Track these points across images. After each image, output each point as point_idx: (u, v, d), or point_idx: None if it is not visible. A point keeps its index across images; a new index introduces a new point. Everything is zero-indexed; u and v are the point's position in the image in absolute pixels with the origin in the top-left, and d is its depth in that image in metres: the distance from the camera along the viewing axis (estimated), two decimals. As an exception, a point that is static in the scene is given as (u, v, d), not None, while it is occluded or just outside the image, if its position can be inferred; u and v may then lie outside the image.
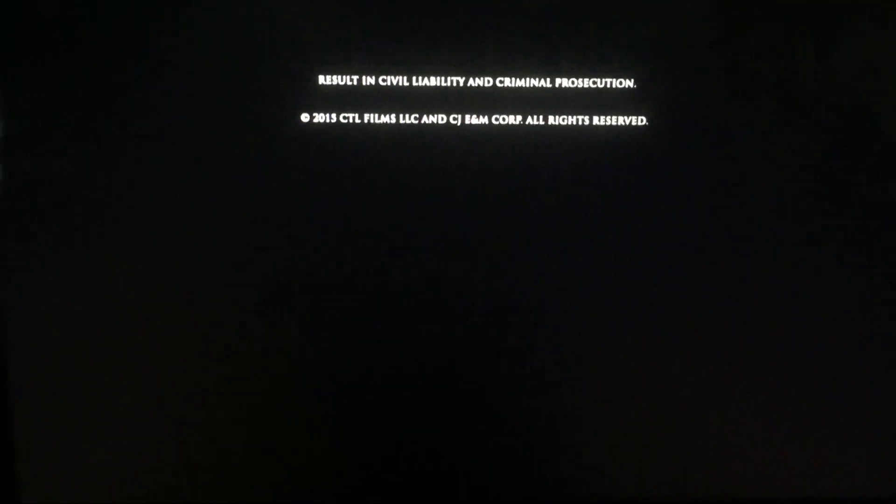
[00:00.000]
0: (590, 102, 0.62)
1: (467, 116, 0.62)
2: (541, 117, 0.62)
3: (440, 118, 0.62)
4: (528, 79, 0.62)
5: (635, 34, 0.61)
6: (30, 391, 0.65)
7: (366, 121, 0.62)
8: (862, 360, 0.67)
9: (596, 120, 0.62)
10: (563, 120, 0.62)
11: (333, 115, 0.62)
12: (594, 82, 0.62)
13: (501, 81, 0.62)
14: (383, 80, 0.61)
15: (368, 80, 0.61)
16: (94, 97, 0.60)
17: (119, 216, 0.62)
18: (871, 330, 0.66)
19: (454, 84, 0.62)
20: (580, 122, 0.62)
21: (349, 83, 0.61)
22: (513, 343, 0.65)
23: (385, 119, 0.62)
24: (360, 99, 0.61)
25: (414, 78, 0.61)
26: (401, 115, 0.62)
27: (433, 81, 0.61)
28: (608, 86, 0.62)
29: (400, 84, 0.61)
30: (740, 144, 0.63)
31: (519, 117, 0.62)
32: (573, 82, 0.62)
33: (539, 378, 0.66)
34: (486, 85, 0.62)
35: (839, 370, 0.67)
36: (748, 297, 0.65)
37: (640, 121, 0.62)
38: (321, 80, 0.61)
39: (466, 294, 0.64)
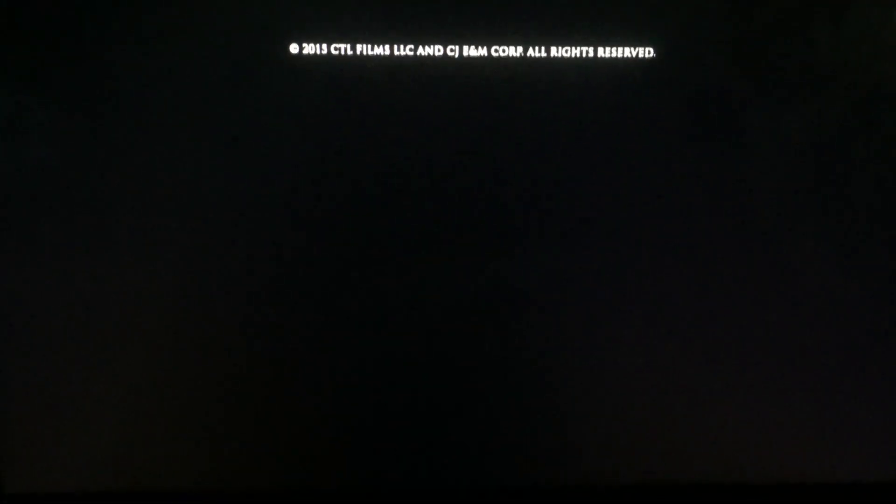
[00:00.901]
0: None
1: (465, 48, 0.59)
2: (543, 49, 0.59)
3: (436, 49, 0.59)
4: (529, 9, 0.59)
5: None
6: (10, 380, 0.64)
7: (358, 52, 0.59)
8: (863, 342, 0.65)
9: (601, 52, 0.59)
10: (567, 52, 0.59)
11: (324, 47, 0.59)
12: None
13: (501, 10, 0.59)
14: (377, 9, 0.58)
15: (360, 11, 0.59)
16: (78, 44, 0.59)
17: (103, 170, 0.60)
18: (878, 309, 0.65)
19: (451, 13, 0.59)
20: (584, 55, 0.59)
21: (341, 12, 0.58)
22: (508, 292, 0.64)
23: (378, 50, 0.59)
24: (351, 29, 0.58)
25: (408, 6, 0.58)
26: (395, 47, 0.59)
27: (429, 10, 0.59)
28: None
29: (394, 12, 0.58)
30: (749, 114, 0.61)
31: (520, 49, 0.59)
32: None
33: (539, 348, 0.65)
34: (485, 13, 0.59)
35: (840, 352, 0.65)
36: (755, 283, 0.63)
37: (647, 53, 0.59)
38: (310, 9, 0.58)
39: (463, 229, 0.62)
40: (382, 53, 0.59)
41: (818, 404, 0.66)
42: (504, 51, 0.59)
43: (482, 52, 0.59)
